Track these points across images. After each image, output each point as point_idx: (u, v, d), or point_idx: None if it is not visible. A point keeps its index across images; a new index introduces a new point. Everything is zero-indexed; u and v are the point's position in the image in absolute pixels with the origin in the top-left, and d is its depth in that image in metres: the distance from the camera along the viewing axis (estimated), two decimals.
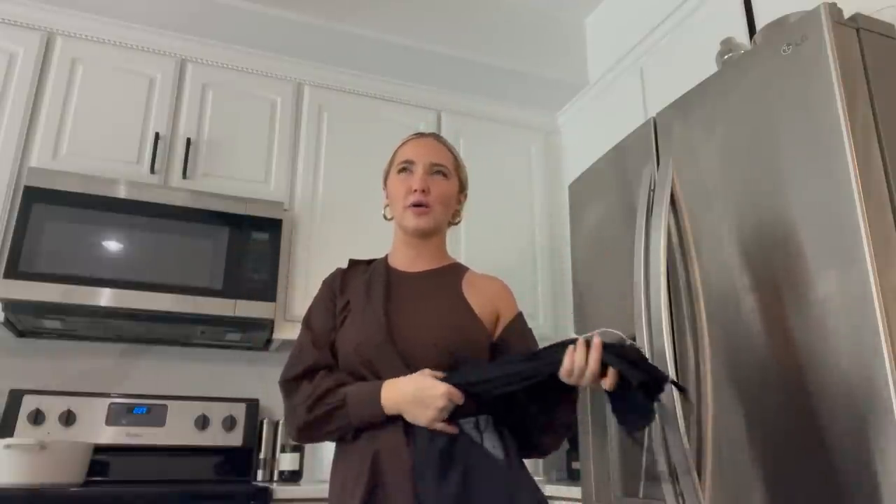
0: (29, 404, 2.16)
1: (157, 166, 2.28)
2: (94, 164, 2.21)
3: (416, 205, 1.24)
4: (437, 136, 1.35)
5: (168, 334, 2.35)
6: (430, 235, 1.28)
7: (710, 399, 1.36)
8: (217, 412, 2.36)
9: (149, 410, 2.29)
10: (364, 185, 2.54)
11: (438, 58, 2.63)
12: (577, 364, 1.05)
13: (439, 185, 1.26)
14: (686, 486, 1.34)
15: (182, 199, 2.20)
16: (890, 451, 1.02)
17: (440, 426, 1.07)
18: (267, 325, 2.25)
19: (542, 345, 1.18)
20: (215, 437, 2.33)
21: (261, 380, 2.53)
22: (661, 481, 1.39)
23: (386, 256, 1.33)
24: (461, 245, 2.57)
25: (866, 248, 1.08)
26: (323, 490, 1.82)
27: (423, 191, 1.24)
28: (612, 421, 1.71)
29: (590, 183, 1.93)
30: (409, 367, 1.12)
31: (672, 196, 1.51)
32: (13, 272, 1.94)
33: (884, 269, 1.08)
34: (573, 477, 2.42)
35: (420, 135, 1.35)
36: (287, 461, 2.29)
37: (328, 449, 2.29)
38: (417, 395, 1.07)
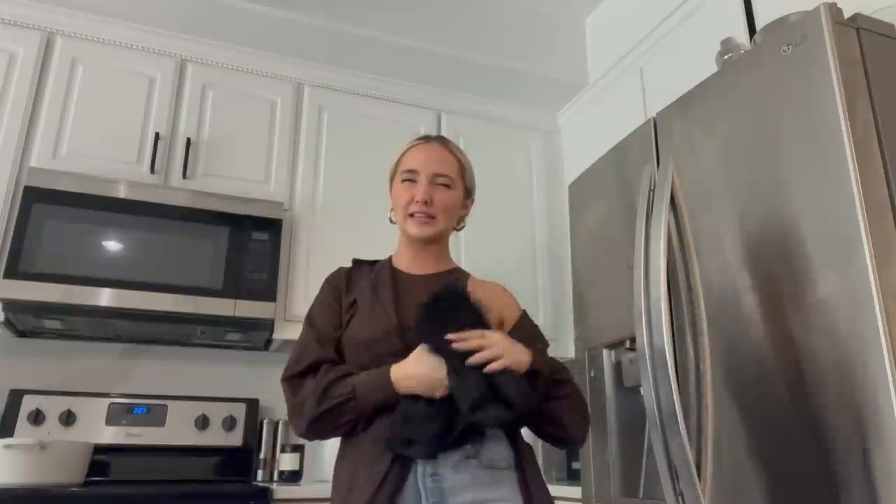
0: (29, 404, 2.16)
1: (157, 166, 2.28)
2: (94, 164, 2.21)
3: (419, 213, 1.24)
4: (442, 142, 1.34)
5: (168, 334, 2.35)
6: (434, 242, 1.29)
7: (710, 399, 1.36)
8: (217, 412, 2.36)
9: (149, 410, 2.29)
10: (364, 186, 2.54)
11: (438, 58, 2.62)
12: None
13: (442, 195, 1.26)
14: (686, 485, 1.34)
15: (182, 199, 2.20)
16: (890, 450, 1.02)
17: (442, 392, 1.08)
18: (267, 325, 2.25)
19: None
20: (215, 437, 2.33)
21: (261, 380, 2.53)
22: (661, 481, 1.39)
23: (390, 258, 1.33)
24: (461, 245, 2.57)
25: (866, 249, 1.08)
26: (323, 490, 1.81)
27: (426, 202, 1.24)
28: (612, 421, 1.71)
29: (590, 183, 1.93)
30: None
31: (672, 196, 1.51)
32: (13, 272, 1.93)
33: (884, 269, 1.08)
34: (573, 477, 2.42)
35: (426, 140, 1.34)
36: (287, 461, 2.28)
37: (328, 449, 2.29)
38: (425, 377, 1.08)
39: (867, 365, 1.06)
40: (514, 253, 2.72)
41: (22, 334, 2.27)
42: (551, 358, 1.22)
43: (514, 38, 2.75)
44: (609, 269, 1.76)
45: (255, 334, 2.35)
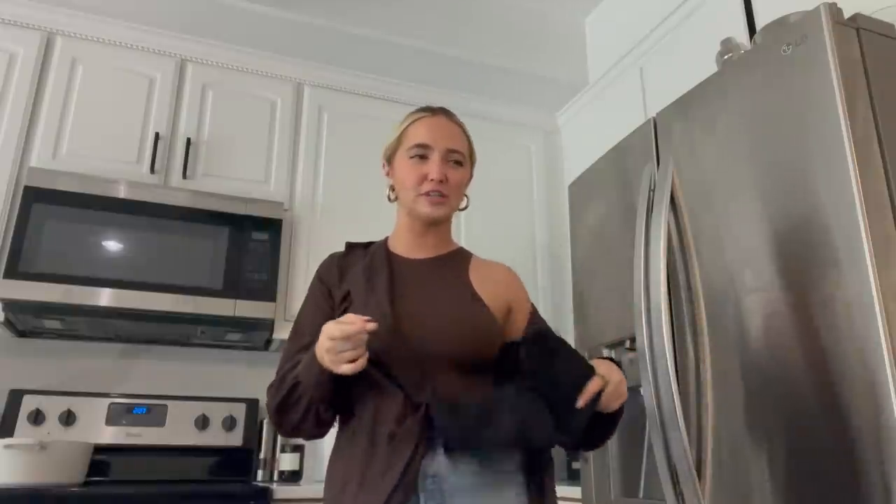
0: (29, 404, 2.16)
1: (157, 166, 2.28)
2: (94, 164, 2.21)
3: (433, 192, 1.16)
4: (448, 115, 1.25)
5: (168, 334, 2.35)
6: (442, 223, 1.24)
7: (710, 399, 1.36)
8: (217, 412, 2.36)
9: (149, 410, 2.29)
10: (364, 185, 2.54)
11: (438, 58, 2.63)
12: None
13: (455, 173, 1.19)
14: (686, 485, 1.34)
15: (182, 199, 2.20)
16: (889, 450, 1.02)
17: (347, 368, 0.97)
18: (267, 325, 2.25)
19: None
20: (215, 437, 2.33)
21: (261, 380, 2.50)
22: (661, 481, 1.39)
23: (386, 240, 1.26)
24: (461, 244, 2.56)
25: (866, 249, 1.08)
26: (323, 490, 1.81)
27: (442, 181, 1.16)
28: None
29: (590, 183, 1.93)
30: (420, 361, 1.08)
31: (672, 196, 1.51)
32: (13, 272, 1.94)
33: (884, 269, 1.08)
34: (573, 477, 2.42)
35: (431, 112, 1.24)
36: (287, 461, 2.29)
37: (328, 449, 2.28)
38: (320, 347, 1.00)
39: (867, 365, 1.06)
40: (514, 253, 2.71)
41: (22, 334, 2.27)
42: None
43: (514, 38, 2.75)
44: (609, 269, 1.76)
45: (255, 334, 2.35)
